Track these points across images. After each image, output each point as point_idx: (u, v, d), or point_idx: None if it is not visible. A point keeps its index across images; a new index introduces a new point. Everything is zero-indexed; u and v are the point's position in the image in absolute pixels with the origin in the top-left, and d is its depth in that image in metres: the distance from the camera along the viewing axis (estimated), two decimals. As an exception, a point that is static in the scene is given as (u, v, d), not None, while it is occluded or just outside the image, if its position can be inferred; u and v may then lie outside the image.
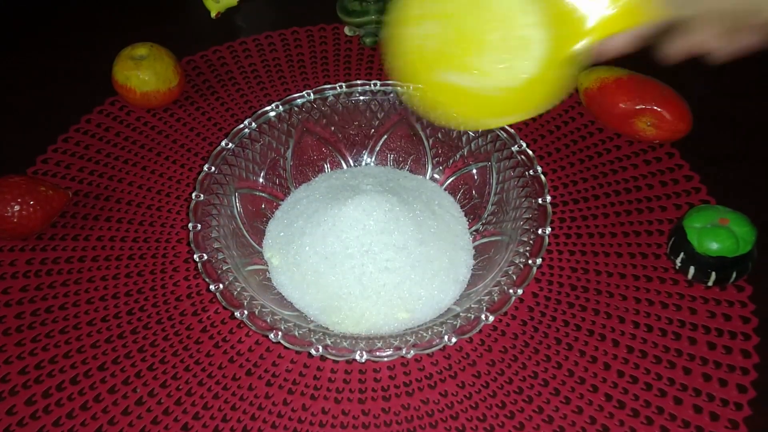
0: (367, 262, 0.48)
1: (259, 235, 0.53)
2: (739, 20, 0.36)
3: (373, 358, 0.41)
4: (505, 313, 0.50)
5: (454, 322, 0.43)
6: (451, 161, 0.56)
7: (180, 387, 0.47)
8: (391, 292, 0.48)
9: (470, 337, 0.49)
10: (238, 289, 0.45)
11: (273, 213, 0.55)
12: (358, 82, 0.55)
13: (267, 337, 0.42)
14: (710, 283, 0.51)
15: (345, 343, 0.42)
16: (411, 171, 0.58)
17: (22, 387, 0.47)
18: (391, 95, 0.55)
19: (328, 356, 0.41)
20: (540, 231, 0.46)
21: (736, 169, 0.60)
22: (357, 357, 0.41)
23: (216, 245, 0.47)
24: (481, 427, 0.44)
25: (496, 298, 0.43)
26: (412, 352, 0.41)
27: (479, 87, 0.39)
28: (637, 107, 0.59)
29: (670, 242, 0.52)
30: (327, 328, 0.47)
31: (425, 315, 0.48)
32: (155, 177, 0.61)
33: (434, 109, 0.42)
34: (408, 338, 0.42)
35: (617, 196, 0.58)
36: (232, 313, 0.43)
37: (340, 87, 0.55)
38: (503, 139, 0.52)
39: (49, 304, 0.52)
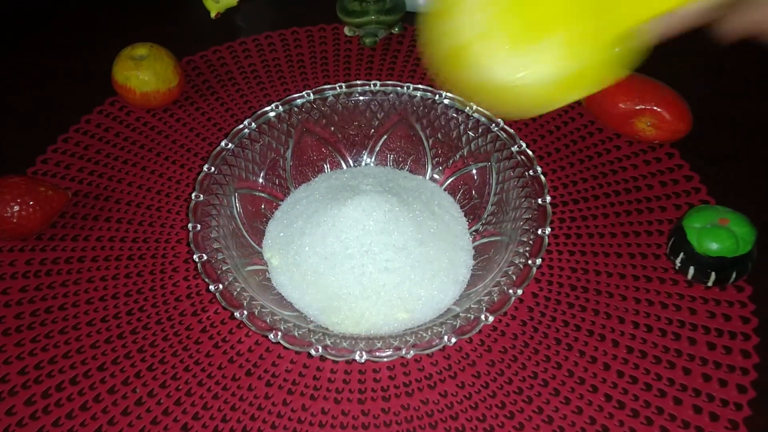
0: (366, 262, 0.48)
1: (259, 235, 0.53)
2: None
3: (372, 359, 0.41)
4: (505, 314, 0.50)
5: (454, 323, 0.43)
6: (450, 161, 0.56)
7: (179, 387, 0.47)
8: (391, 292, 0.48)
9: (470, 338, 0.49)
10: (238, 290, 0.45)
11: (273, 213, 0.55)
12: (358, 82, 0.55)
13: (267, 337, 0.42)
14: (710, 284, 0.51)
15: (345, 344, 0.42)
16: (411, 171, 0.58)
17: (22, 387, 0.47)
18: (391, 95, 0.55)
19: (328, 356, 0.41)
20: (540, 231, 0.46)
21: (736, 169, 0.60)
22: (357, 357, 0.41)
23: (216, 245, 0.47)
24: (480, 427, 0.44)
25: (495, 299, 0.43)
26: (411, 352, 0.41)
27: (529, 76, 0.39)
28: (637, 107, 0.59)
29: (670, 242, 0.52)
30: (327, 329, 0.47)
31: (425, 315, 0.48)
32: (155, 177, 0.61)
33: (485, 97, 0.41)
34: (408, 338, 0.42)
35: (617, 196, 0.58)
36: (232, 314, 0.43)
37: (340, 87, 0.55)
38: (503, 140, 0.52)
39: (49, 305, 0.52)
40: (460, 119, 0.54)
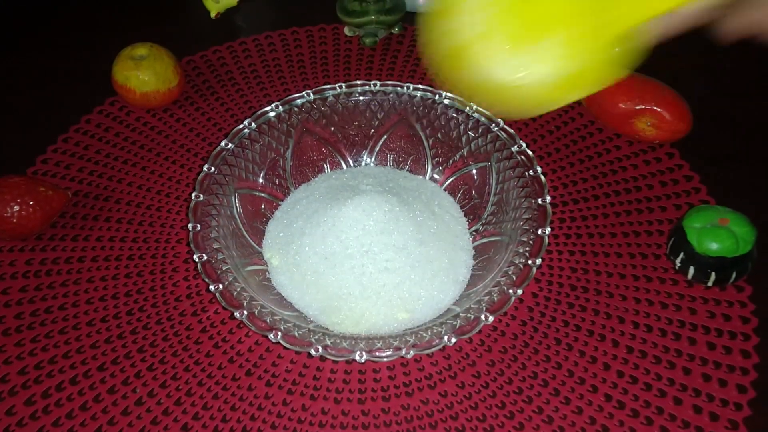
0: (366, 262, 0.48)
1: (259, 235, 0.53)
2: None
3: (372, 359, 0.41)
4: (505, 314, 0.50)
5: (454, 323, 0.43)
6: (450, 161, 0.56)
7: (179, 387, 0.47)
8: (391, 292, 0.48)
9: (470, 338, 0.49)
10: (238, 290, 0.45)
11: (273, 213, 0.55)
12: (358, 82, 0.55)
13: (267, 337, 0.42)
14: (710, 284, 0.51)
15: (345, 344, 0.42)
16: (411, 171, 0.58)
17: (22, 387, 0.47)
18: (391, 95, 0.55)
19: (328, 356, 0.41)
20: (540, 231, 0.46)
21: (736, 169, 0.60)
22: (357, 357, 0.41)
23: (216, 245, 0.47)
24: (480, 427, 0.44)
25: (495, 299, 0.43)
26: (411, 352, 0.41)
27: (531, 74, 0.39)
28: (637, 107, 0.59)
29: (670, 242, 0.52)
30: (327, 329, 0.47)
31: (425, 315, 0.48)
32: (155, 177, 0.61)
33: (486, 97, 0.41)
34: (408, 338, 0.42)
35: (617, 196, 0.58)
36: (232, 314, 0.43)
37: (340, 87, 0.55)
38: (503, 140, 0.52)
39: (49, 305, 0.52)
40: (460, 119, 0.54)
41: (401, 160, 0.58)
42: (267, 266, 0.51)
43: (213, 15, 0.76)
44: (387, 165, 0.59)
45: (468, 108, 0.53)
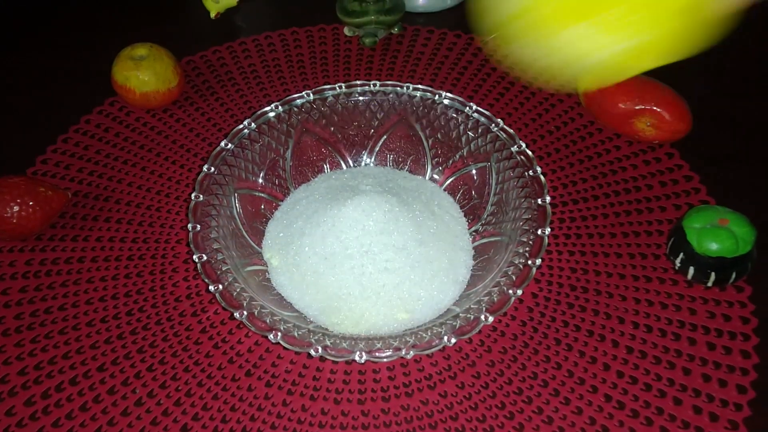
0: (366, 262, 0.48)
1: (259, 235, 0.53)
2: None
3: (372, 359, 0.41)
4: (505, 314, 0.50)
5: (454, 323, 0.43)
6: (450, 162, 0.56)
7: (179, 388, 0.47)
8: (391, 292, 0.48)
9: (470, 338, 0.49)
10: (238, 290, 0.45)
11: (272, 213, 0.55)
12: (358, 82, 0.55)
13: (266, 337, 0.42)
14: (710, 284, 0.51)
15: (344, 344, 0.42)
16: (410, 171, 0.58)
17: (21, 388, 0.47)
18: (391, 95, 0.55)
19: (328, 357, 0.41)
20: (539, 231, 0.46)
21: (736, 170, 0.60)
22: (356, 358, 0.41)
23: (215, 246, 0.47)
24: (480, 427, 0.44)
25: (495, 299, 0.43)
26: (411, 352, 0.41)
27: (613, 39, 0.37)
28: (637, 107, 0.59)
29: (670, 243, 0.52)
30: (326, 329, 0.47)
31: (425, 316, 0.48)
32: (155, 177, 0.61)
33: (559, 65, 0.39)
34: (407, 339, 0.42)
35: (617, 196, 0.58)
36: (232, 314, 0.43)
37: (340, 87, 0.55)
38: (503, 140, 0.52)
39: (49, 305, 0.52)
40: (459, 119, 0.54)
41: (401, 161, 0.58)
42: (267, 266, 0.51)
43: (213, 15, 0.76)
44: (387, 165, 0.59)
45: (467, 108, 0.53)
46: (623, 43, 0.37)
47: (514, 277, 0.44)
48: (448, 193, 0.56)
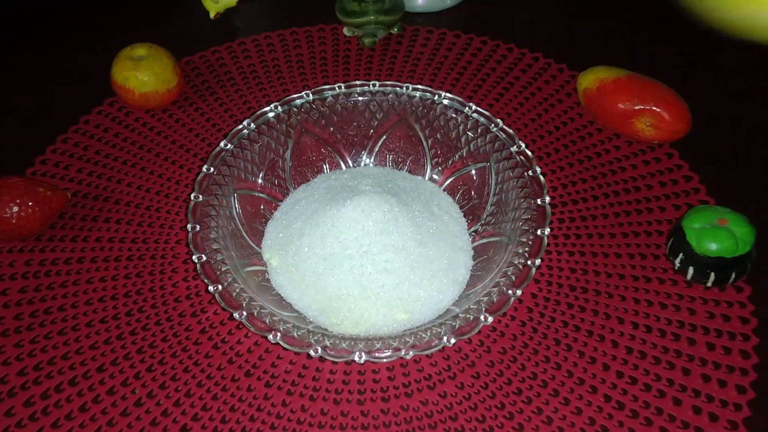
0: (366, 263, 0.48)
1: (258, 236, 0.53)
2: None
3: (372, 359, 0.41)
4: (504, 314, 0.50)
5: (453, 323, 0.43)
6: (450, 162, 0.56)
7: (179, 388, 0.47)
8: (390, 293, 0.48)
9: (469, 338, 0.49)
10: (237, 290, 0.45)
11: (272, 214, 0.55)
12: (357, 82, 0.55)
13: (266, 338, 0.42)
14: (709, 284, 0.51)
15: (344, 344, 0.42)
16: (410, 172, 0.58)
17: (21, 388, 0.47)
18: (390, 96, 0.55)
19: (327, 357, 0.41)
20: (539, 232, 0.46)
21: (736, 170, 0.60)
22: (356, 358, 0.41)
23: (215, 246, 0.47)
24: (480, 428, 0.44)
25: (495, 299, 0.43)
26: (411, 353, 0.41)
27: None
28: (636, 107, 0.59)
29: (669, 243, 0.52)
30: (326, 329, 0.47)
31: (424, 316, 0.48)
32: (154, 178, 0.61)
33: None
34: (407, 339, 0.42)
35: (616, 196, 0.58)
36: (231, 314, 0.43)
37: (339, 87, 0.55)
38: (502, 140, 0.52)
39: (48, 306, 0.52)
40: (459, 119, 0.54)
41: (400, 161, 0.58)
42: (266, 267, 0.51)
43: (212, 15, 0.76)
44: (386, 165, 0.59)
45: (467, 108, 0.53)
46: None
47: (513, 278, 0.44)
48: (448, 193, 0.56)
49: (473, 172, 0.55)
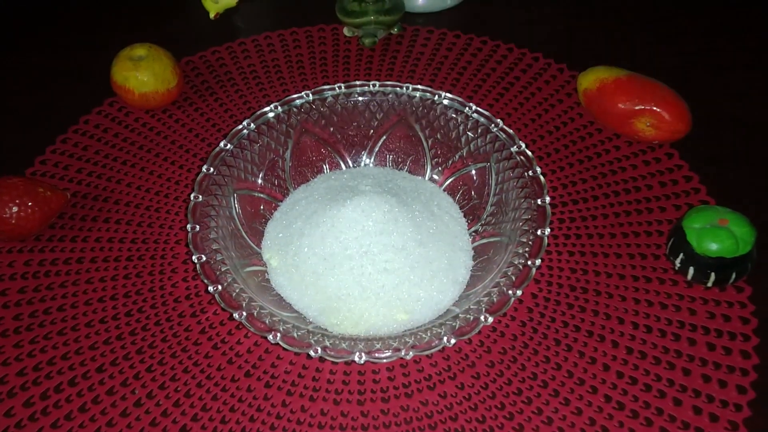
0: (366, 263, 0.48)
1: (258, 236, 0.53)
2: None
3: (372, 360, 0.41)
4: (504, 315, 0.50)
5: (453, 324, 0.43)
6: (450, 162, 0.56)
7: (178, 389, 0.47)
8: (390, 293, 0.48)
9: (469, 339, 0.49)
10: (237, 291, 0.45)
11: (272, 214, 0.55)
12: (357, 82, 0.55)
13: (266, 338, 0.42)
14: (710, 284, 0.51)
15: (344, 345, 0.42)
16: (410, 172, 0.58)
17: (20, 389, 0.47)
18: (390, 96, 0.55)
19: (327, 357, 0.41)
20: (539, 232, 0.46)
21: (736, 170, 0.60)
22: (356, 358, 0.41)
23: (214, 246, 0.47)
24: (480, 428, 0.44)
25: (495, 300, 0.43)
26: (411, 353, 0.41)
27: None
28: (636, 108, 0.59)
29: (670, 243, 0.52)
30: (326, 330, 0.47)
31: (424, 316, 0.47)
32: (154, 178, 0.61)
33: None
34: (407, 339, 0.42)
35: (616, 196, 0.58)
36: (231, 315, 0.43)
37: (339, 88, 0.55)
38: (502, 140, 0.52)
39: (48, 306, 0.52)
40: (459, 119, 0.54)
41: (400, 161, 0.58)
42: (266, 267, 0.51)
43: (212, 16, 0.76)
44: (386, 165, 0.59)
45: (467, 108, 0.53)
46: None
47: (513, 278, 0.44)
48: (448, 193, 0.56)
49: (473, 172, 0.55)
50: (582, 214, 0.57)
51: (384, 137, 0.58)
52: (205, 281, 0.44)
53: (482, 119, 0.53)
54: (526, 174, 0.49)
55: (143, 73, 0.63)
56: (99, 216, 0.58)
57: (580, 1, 0.80)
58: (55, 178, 0.61)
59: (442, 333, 0.42)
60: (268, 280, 0.50)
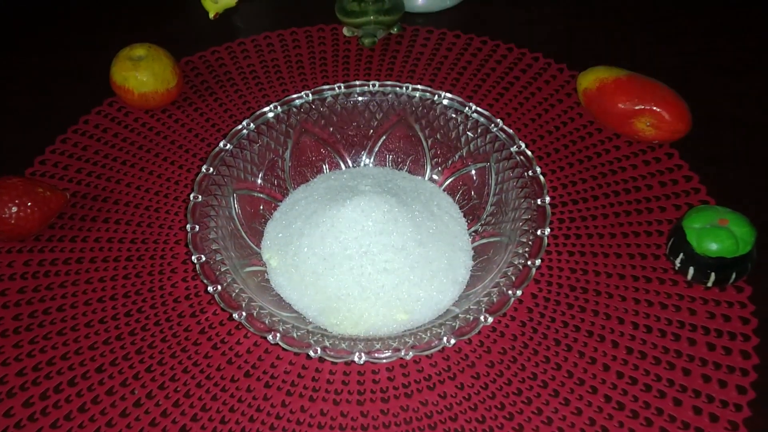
0: (365, 263, 0.48)
1: (258, 236, 0.53)
2: None
3: (371, 360, 0.41)
4: (504, 315, 0.50)
5: (453, 324, 0.42)
6: (450, 162, 0.56)
7: (178, 389, 0.47)
8: (390, 293, 0.48)
9: (469, 339, 0.49)
10: (237, 291, 0.45)
11: (271, 214, 0.55)
12: (357, 82, 0.55)
13: (265, 338, 0.42)
14: (710, 284, 0.51)
15: (343, 345, 0.42)
16: (410, 172, 0.58)
17: (20, 389, 0.47)
18: (390, 96, 0.55)
19: (327, 358, 0.41)
20: (539, 232, 0.46)
21: (736, 169, 0.60)
22: (356, 358, 0.41)
23: (214, 246, 0.47)
24: (480, 428, 0.44)
25: (495, 300, 0.43)
26: (410, 353, 0.41)
27: None
28: (636, 107, 0.59)
29: (670, 243, 0.52)
30: (325, 330, 0.47)
31: (424, 316, 0.47)
32: (153, 178, 0.61)
33: None
34: (407, 340, 0.42)
35: (616, 196, 0.58)
36: (231, 315, 0.43)
37: (339, 88, 0.55)
38: (502, 140, 0.52)
39: (47, 306, 0.52)
40: (459, 119, 0.54)
41: (400, 161, 0.58)
42: (266, 267, 0.51)
43: (211, 16, 0.76)
44: (386, 165, 0.59)
45: (467, 108, 0.53)
46: None
47: (513, 278, 0.44)
48: (448, 193, 0.56)
49: (473, 172, 0.55)
50: (582, 214, 0.57)
51: (384, 137, 0.58)
52: (205, 281, 0.44)
53: (482, 119, 0.53)
54: (525, 174, 0.49)
55: (143, 73, 0.63)
56: (99, 216, 0.58)
57: (580, 1, 0.80)
58: (55, 178, 0.61)
59: (442, 333, 0.42)
60: (267, 281, 0.50)
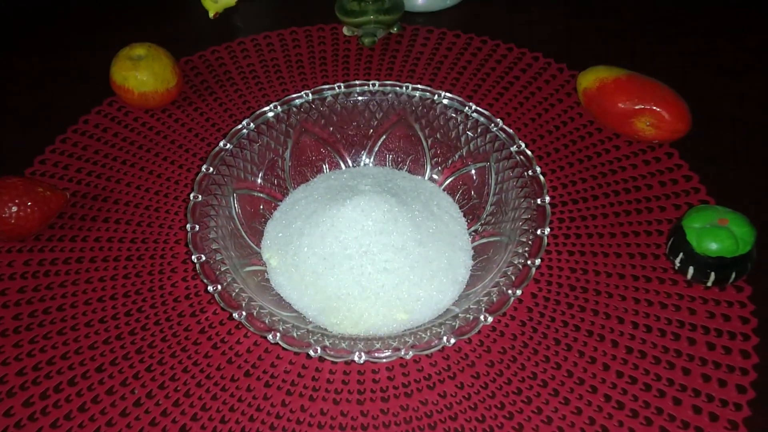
0: (365, 263, 0.48)
1: (258, 235, 0.53)
2: None
3: (371, 359, 0.41)
4: (504, 314, 0.50)
5: (453, 323, 0.43)
6: (449, 162, 0.56)
7: (178, 388, 0.47)
8: (390, 293, 0.48)
9: (469, 338, 0.49)
10: (237, 290, 0.45)
11: (271, 214, 0.55)
12: (357, 82, 0.55)
13: (265, 338, 0.42)
14: (709, 284, 0.51)
15: (343, 344, 0.42)
16: (410, 171, 0.58)
17: (20, 389, 0.47)
18: (390, 95, 0.55)
19: (327, 357, 0.41)
20: (539, 231, 0.46)
21: (736, 169, 0.60)
22: (355, 358, 0.41)
23: (214, 246, 0.47)
24: (480, 428, 0.44)
25: (494, 299, 0.43)
26: (410, 353, 0.41)
27: None
28: (636, 107, 0.59)
29: (669, 242, 0.52)
30: (325, 329, 0.47)
31: (424, 316, 0.47)
32: (153, 178, 0.61)
33: None
34: (407, 339, 0.42)
35: (616, 196, 0.58)
36: (231, 314, 0.43)
37: (339, 87, 0.55)
38: (502, 140, 0.52)
39: (47, 306, 0.52)
40: (459, 119, 0.54)
41: (400, 161, 0.58)
42: (266, 267, 0.51)
43: (211, 15, 0.76)
44: (386, 165, 0.59)
45: (467, 108, 0.53)
46: None
47: (513, 278, 0.44)
48: (448, 193, 0.56)
49: (473, 171, 0.55)
50: (582, 214, 0.57)
51: (384, 137, 0.58)
52: (205, 281, 0.44)
53: (482, 119, 0.53)
54: (525, 173, 0.49)
55: (143, 73, 0.63)
56: (98, 216, 0.58)
57: (580, 1, 0.80)
58: (55, 177, 0.61)
59: (442, 333, 0.42)
60: (267, 280, 0.50)
